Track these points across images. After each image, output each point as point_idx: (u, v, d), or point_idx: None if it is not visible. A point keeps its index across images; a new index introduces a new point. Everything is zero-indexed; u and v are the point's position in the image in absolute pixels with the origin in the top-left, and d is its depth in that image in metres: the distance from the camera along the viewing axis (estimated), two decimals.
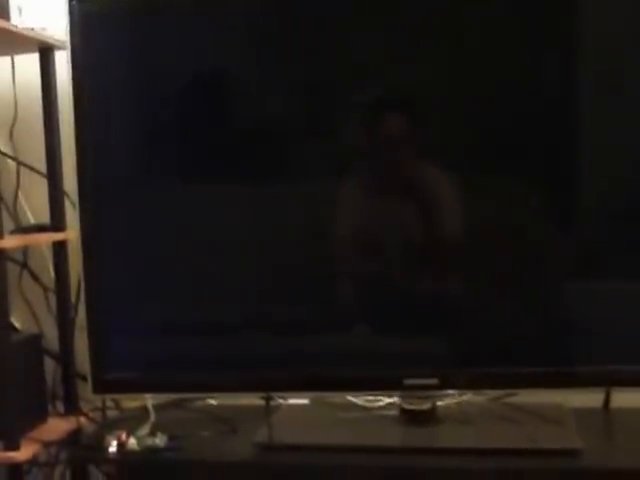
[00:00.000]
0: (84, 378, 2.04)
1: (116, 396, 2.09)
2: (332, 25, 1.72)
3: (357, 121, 1.73)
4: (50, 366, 2.17)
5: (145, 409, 1.85)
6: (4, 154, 2.27)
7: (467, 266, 1.74)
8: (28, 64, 2.12)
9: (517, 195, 1.70)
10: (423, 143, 1.72)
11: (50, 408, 2.14)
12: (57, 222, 2.09)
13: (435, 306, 1.74)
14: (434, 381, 1.71)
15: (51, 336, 2.18)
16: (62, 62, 1.93)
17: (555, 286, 1.72)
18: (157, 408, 1.85)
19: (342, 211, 1.75)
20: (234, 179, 1.77)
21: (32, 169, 2.23)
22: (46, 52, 2.05)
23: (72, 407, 2.13)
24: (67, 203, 2.10)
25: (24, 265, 2.27)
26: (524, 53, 1.67)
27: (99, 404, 2.14)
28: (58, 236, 2.09)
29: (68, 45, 1.77)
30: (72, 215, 1.96)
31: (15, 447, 1.86)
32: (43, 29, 1.98)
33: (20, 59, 2.17)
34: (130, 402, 2.01)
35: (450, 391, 1.77)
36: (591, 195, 1.69)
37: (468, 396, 1.81)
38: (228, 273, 1.80)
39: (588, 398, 1.84)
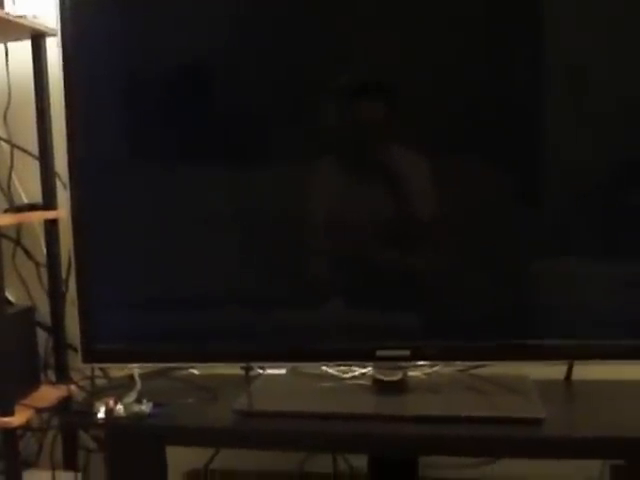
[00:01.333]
0: (74, 349, 2.10)
1: (104, 366, 2.11)
2: (311, 11, 1.73)
3: (334, 105, 1.74)
4: (42, 337, 2.21)
5: (132, 378, 1.85)
6: None
7: (437, 244, 1.75)
8: (21, 51, 2.15)
9: (485, 177, 1.71)
10: (396, 127, 1.73)
11: (42, 377, 2.18)
12: (49, 201, 2.13)
13: (407, 282, 1.75)
14: (405, 353, 1.73)
15: (43, 309, 2.22)
16: (53, 48, 1.95)
17: (521, 264, 1.73)
18: (143, 377, 1.85)
19: (318, 191, 1.76)
20: (216, 161, 1.78)
21: (25, 151, 2.26)
22: (38, 39, 2.08)
23: (63, 376, 2.18)
24: (58, 183, 2.13)
25: (17, 242, 2.30)
26: (493, 40, 1.69)
27: (88, 373, 2.16)
28: (50, 214, 2.13)
29: (58, 32, 1.77)
30: (63, 194, 1.98)
31: (10, 413, 1.90)
32: (35, 17, 2.00)
33: (13, 46, 2.19)
34: (117, 371, 2.02)
35: (420, 362, 1.79)
36: (555, 179, 1.70)
37: (437, 367, 1.83)
38: (210, 251, 1.80)
39: (551, 370, 1.86)
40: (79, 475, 2.19)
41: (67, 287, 2.18)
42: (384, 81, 1.74)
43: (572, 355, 1.75)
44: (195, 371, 1.99)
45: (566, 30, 1.66)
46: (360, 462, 1.94)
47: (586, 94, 1.66)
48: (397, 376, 1.79)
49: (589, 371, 1.85)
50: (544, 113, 1.71)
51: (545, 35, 1.69)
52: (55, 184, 2.14)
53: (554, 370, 1.88)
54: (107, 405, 1.72)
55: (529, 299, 1.75)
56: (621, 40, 1.64)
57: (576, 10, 1.65)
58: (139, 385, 1.82)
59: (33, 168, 2.18)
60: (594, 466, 1.85)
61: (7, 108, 2.24)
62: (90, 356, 1.85)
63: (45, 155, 2.13)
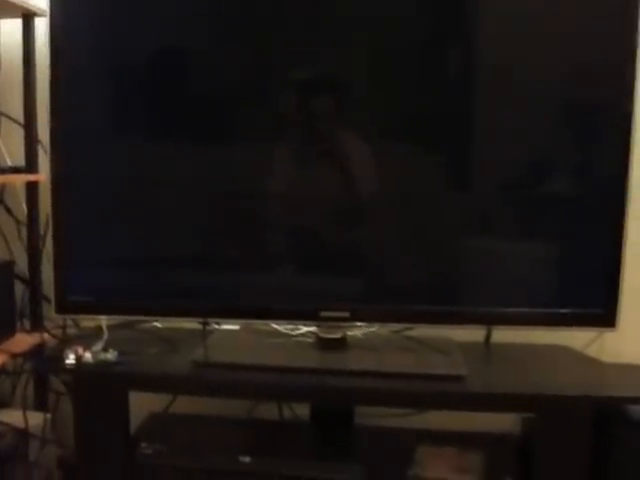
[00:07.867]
0: (48, 300, 2.07)
1: (75, 316, 2.08)
2: (279, 9, 1.73)
3: (292, 94, 1.74)
4: (19, 289, 2.18)
5: (100, 328, 1.85)
6: None
7: (377, 220, 1.77)
8: (12, 28, 2.13)
9: (419, 163, 1.73)
10: (345, 116, 1.75)
11: (18, 325, 2.15)
12: (31, 165, 2.11)
13: (349, 252, 1.78)
14: (345, 314, 1.75)
15: (22, 263, 2.19)
16: (42, 27, 1.95)
17: (449, 240, 1.76)
18: (110, 328, 1.86)
19: (275, 170, 1.77)
20: (184, 137, 1.78)
21: (11, 119, 2.22)
22: (28, 18, 2.06)
23: (37, 325, 2.16)
24: (40, 150, 2.11)
25: (0, 201, 2.27)
26: (431, 38, 1.71)
27: (60, 323, 2.13)
28: (31, 177, 2.11)
29: (48, 12, 1.76)
30: (44, 160, 1.97)
31: None
32: None
33: (5, 23, 2.17)
34: (87, 322, 2.00)
35: (359, 323, 1.81)
36: (485, 166, 1.72)
37: (374, 328, 1.85)
38: (175, 217, 1.81)
39: (473, 334, 1.89)
40: (48, 416, 2.15)
41: (44, 244, 2.15)
42: (333, 77, 1.75)
43: (491, 321, 1.79)
44: (158, 324, 1.98)
45: (494, 27, 1.69)
46: (303, 410, 1.96)
47: (512, 91, 1.69)
48: (338, 335, 1.80)
49: (506, 335, 1.89)
50: (474, 109, 1.73)
51: (474, 32, 1.71)
52: (37, 150, 2.12)
53: (476, 334, 1.90)
54: (76, 352, 1.72)
55: (455, 271, 1.78)
56: (545, 40, 1.67)
57: (503, 10, 1.68)
58: (106, 335, 1.83)
59: (18, 135, 2.15)
60: (508, 418, 1.88)
61: None
62: (63, 307, 1.84)
63: (29, 123, 2.11)
